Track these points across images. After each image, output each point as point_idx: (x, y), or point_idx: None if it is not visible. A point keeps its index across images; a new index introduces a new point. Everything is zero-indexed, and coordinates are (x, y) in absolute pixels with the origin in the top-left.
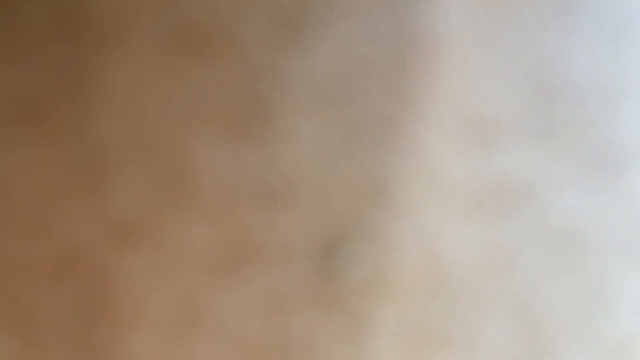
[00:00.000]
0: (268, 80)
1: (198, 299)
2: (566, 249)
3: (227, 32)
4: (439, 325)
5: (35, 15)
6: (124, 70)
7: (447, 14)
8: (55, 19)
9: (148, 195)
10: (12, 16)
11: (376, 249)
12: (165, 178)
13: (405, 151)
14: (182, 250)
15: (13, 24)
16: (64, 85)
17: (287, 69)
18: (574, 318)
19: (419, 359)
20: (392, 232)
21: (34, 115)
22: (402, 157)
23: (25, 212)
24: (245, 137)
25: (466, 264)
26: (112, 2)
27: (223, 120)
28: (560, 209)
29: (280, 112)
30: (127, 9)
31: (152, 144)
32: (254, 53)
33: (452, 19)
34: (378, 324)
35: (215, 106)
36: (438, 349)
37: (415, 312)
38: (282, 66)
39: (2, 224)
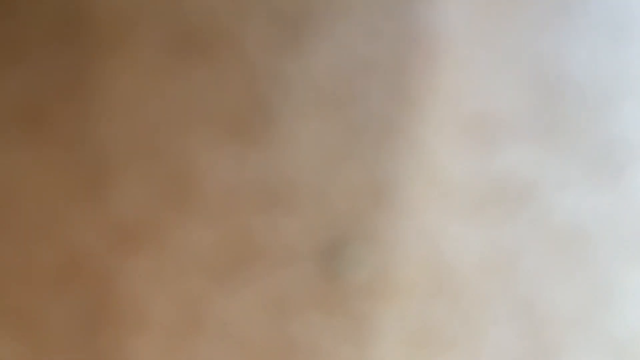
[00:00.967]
0: (268, 82)
1: (201, 302)
2: (569, 247)
3: (227, 34)
4: (443, 326)
5: (36, 18)
6: (124, 73)
7: (447, 14)
8: (56, 22)
9: (150, 198)
10: (12, 19)
11: (378, 250)
12: (166, 181)
13: (406, 152)
14: (185, 254)
15: (14, 27)
16: (65, 88)
17: (287, 71)
18: (577, 317)
19: (422, 359)
20: (394, 233)
21: (35, 118)
22: (403, 157)
23: (27, 217)
24: (246, 139)
25: (469, 264)
26: (113, 6)
27: (224, 123)
28: (562, 207)
29: (280, 114)
30: (128, 12)
31: (153, 147)
32: (254, 55)
33: (452, 19)
34: (381, 325)
35: (216, 109)
36: (441, 350)
37: (419, 312)
38: (282, 68)
39: (4, 229)
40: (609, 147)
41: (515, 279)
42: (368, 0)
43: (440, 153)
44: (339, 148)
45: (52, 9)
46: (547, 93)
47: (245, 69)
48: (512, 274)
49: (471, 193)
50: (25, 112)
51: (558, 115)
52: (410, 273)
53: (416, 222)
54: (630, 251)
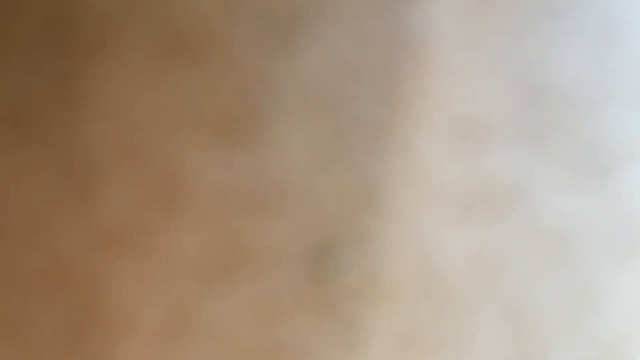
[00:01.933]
0: (257, 85)
1: (189, 306)
2: (555, 249)
3: (216, 37)
4: (431, 328)
5: (24, 21)
6: (113, 76)
7: (436, 19)
8: (44, 26)
9: (137, 202)
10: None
11: (367, 252)
12: (154, 184)
13: (395, 155)
14: (173, 257)
15: (1, 30)
16: (52, 91)
17: (276, 74)
18: (563, 318)
19: None
20: (382, 235)
21: (22, 122)
22: (392, 160)
23: (13, 220)
24: (234, 142)
25: (457, 267)
26: (101, 9)
27: (212, 126)
28: (548, 210)
29: (269, 117)
30: (116, 14)
31: (141, 150)
32: (243, 58)
33: (440, 24)
34: (370, 328)
35: (204, 111)
36: (430, 351)
37: (407, 315)
38: (271, 71)
39: None
40: (595, 150)
41: (503, 281)
42: (357, 5)
43: (428, 156)
44: (327, 151)
45: (39, 13)
46: (534, 97)
47: (234, 72)
48: (499, 276)
49: (459, 196)
50: (11, 115)
51: (544, 118)
52: (398, 275)
53: (405, 225)
54: (616, 253)
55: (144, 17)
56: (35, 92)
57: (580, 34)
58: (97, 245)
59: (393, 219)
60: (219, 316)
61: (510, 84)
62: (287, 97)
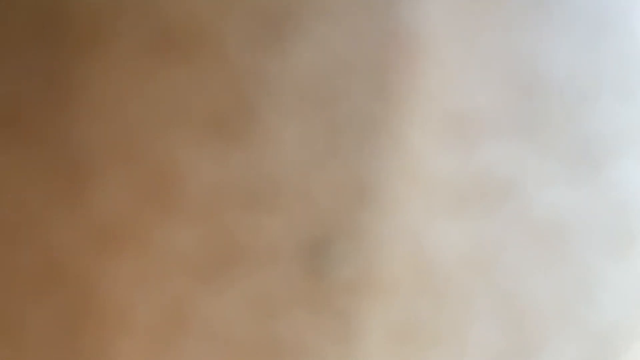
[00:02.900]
0: (250, 81)
1: (184, 303)
2: (548, 242)
3: (208, 33)
4: (426, 322)
5: (14, 18)
6: (105, 73)
7: (428, 13)
8: (34, 22)
9: (131, 199)
10: None
11: (362, 247)
12: (148, 181)
13: (388, 150)
14: (167, 254)
15: None
16: (43, 89)
17: (269, 70)
18: (558, 310)
19: (407, 355)
20: (377, 230)
21: (13, 120)
22: (385, 155)
23: (6, 219)
24: (228, 138)
25: (451, 260)
26: (91, 4)
27: (205, 122)
28: (541, 203)
29: (263, 113)
30: (107, 10)
31: (134, 147)
32: (236, 54)
33: (432, 18)
34: (366, 323)
35: (198, 108)
36: (426, 345)
37: (403, 309)
38: (264, 67)
39: None
40: (587, 143)
41: (497, 274)
42: (350, 0)
43: (421, 151)
44: (321, 147)
45: (30, 9)
46: (526, 91)
47: (226, 68)
48: (494, 269)
49: (453, 190)
50: (3, 113)
51: (537, 112)
52: (393, 270)
53: (399, 220)
54: (609, 245)
55: (135, 14)
56: (27, 90)
57: (572, 28)
58: (90, 243)
59: (387, 213)
60: (214, 312)
61: (502, 77)
62: (280, 93)
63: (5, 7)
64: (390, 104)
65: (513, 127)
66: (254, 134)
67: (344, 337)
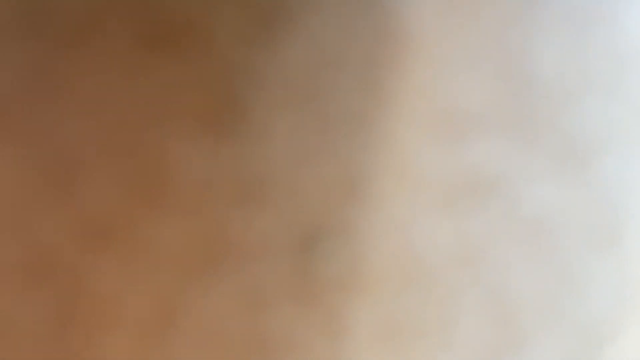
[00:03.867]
0: (241, 76)
1: (174, 299)
2: (535, 238)
3: (198, 28)
4: (415, 317)
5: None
6: (93, 67)
7: (419, 11)
8: (22, 16)
9: (120, 194)
10: None
11: (351, 243)
12: (138, 176)
13: (378, 146)
14: (157, 250)
15: None
16: (32, 83)
17: (259, 65)
18: (544, 305)
19: (396, 350)
20: (366, 226)
21: (1, 114)
22: (375, 151)
23: None
24: (218, 133)
25: (439, 256)
26: None
27: (196, 117)
28: (529, 200)
29: (253, 108)
30: (97, 5)
31: (123, 142)
32: (227, 49)
33: (423, 16)
34: (355, 317)
35: (188, 103)
36: (414, 340)
37: (391, 304)
38: (255, 62)
39: None
40: (574, 140)
41: (485, 270)
42: None
43: (410, 147)
44: (312, 142)
45: (16, 3)
46: (515, 88)
47: (217, 63)
48: (482, 265)
49: (441, 186)
50: None
51: (525, 110)
52: (382, 265)
53: (388, 215)
54: (595, 241)
55: (125, 7)
56: (14, 84)
57: (560, 26)
58: (79, 238)
59: (376, 209)
60: (204, 307)
61: (491, 75)
62: (270, 88)
63: None
64: (380, 100)
65: (501, 124)
66: (244, 129)
67: (334, 331)
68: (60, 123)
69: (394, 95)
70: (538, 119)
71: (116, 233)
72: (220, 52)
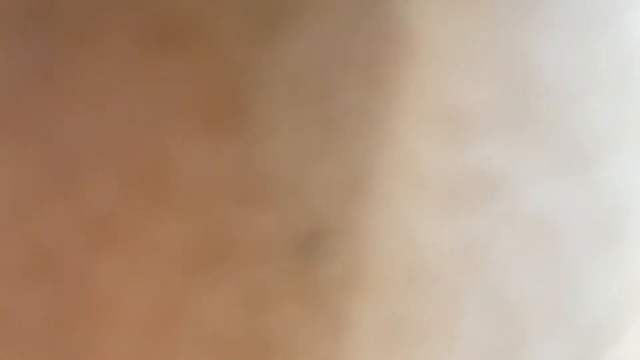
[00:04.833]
0: (244, 75)
1: (176, 298)
2: (538, 239)
3: (201, 26)
4: (416, 317)
5: (1, 9)
6: (95, 65)
7: (422, 10)
8: (23, 12)
9: (122, 193)
10: None
11: (353, 243)
12: (140, 175)
13: (381, 145)
14: (159, 249)
15: None
16: (33, 80)
17: (262, 64)
18: (546, 306)
19: (398, 350)
20: (369, 225)
21: (2, 111)
22: (378, 151)
23: None
24: (221, 132)
25: (442, 256)
26: None
27: (198, 116)
28: (532, 200)
29: (256, 107)
30: (100, 2)
31: (125, 140)
32: (229, 47)
33: (426, 15)
34: (357, 318)
35: (190, 101)
36: (416, 341)
37: (393, 304)
38: (258, 61)
39: None
40: (577, 141)
41: (487, 270)
42: None
43: (414, 146)
44: (314, 141)
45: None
46: (518, 88)
47: (220, 61)
48: (484, 265)
49: (444, 186)
50: None
51: (528, 109)
52: (384, 265)
53: (390, 215)
54: (598, 242)
55: (128, 6)
56: (15, 81)
57: (563, 26)
58: (80, 237)
59: (379, 209)
60: (206, 307)
61: (495, 75)
62: (273, 87)
63: None
64: (383, 100)
65: (504, 124)
66: (247, 128)
67: (335, 331)
68: (62, 122)
69: (398, 95)
70: (541, 119)
71: (117, 232)
72: (223, 51)
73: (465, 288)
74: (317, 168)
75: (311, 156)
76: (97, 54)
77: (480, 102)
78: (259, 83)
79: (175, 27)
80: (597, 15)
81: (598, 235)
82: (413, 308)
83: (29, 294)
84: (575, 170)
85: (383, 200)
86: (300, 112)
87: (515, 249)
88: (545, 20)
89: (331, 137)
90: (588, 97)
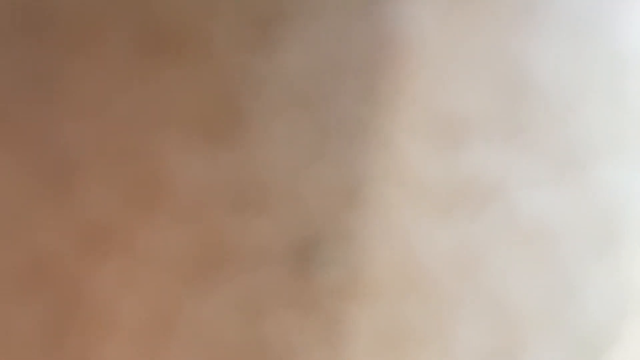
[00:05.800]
0: (239, 82)
1: (172, 305)
2: (534, 244)
3: (197, 34)
4: (413, 323)
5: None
6: (93, 73)
7: (418, 18)
8: (22, 20)
9: (118, 199)
10: None
11: (350, 249)
12: (136, 182)
13: (376, 152)
14: (155, 256)
15: None
16: (32, 88)
17: (258, 71)
18: (543, 311)
19: (394, 357)
20: (365, 232)
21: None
22: (373, 158)
23: None
24: (217, 139)
25: (438, 262)
26: (81, 4)
27: (194, 123)
28: (527, 205)
29: (252, 114)
30: (96, 10)
31: (121, 148)
32: (225, 55)
33: (422, 23)
34: (354, 324)
35: (186, 109)
36: (413, 347)
37: (390, 311)
38: (254, 68)
39: None
40: (572, 146)
41: (483, 276)
42: (339, 2)
43: (409, 153)
44: (310, 149)
45: (17, 8)
46: (513, 95)
47: (216, 69)
48: (481, 271)
49: (440, 192)
50: None
51: (524, 116)
52: (381, 272)
53: (387, 222)
54: (593, 247)
55: (125, 13)
56: (14, 89)
57: (559, 33)
58: (78, 244)
59: (375, 215)
60: (201, 314)
61: (490, 82)
62: (269, 94)
63: None
64: (378, 107)
65: (499, 131)
66: (242, 135)
67: (332, 338)
68: (59, 129)
69: (393, 102)
70: (537, 125)
71: (113, 239)
72: (219, 58)
73: (462, 294)
74: (313, 175)
75: (307, 163)
76: (94, 63)
77: (475, 108)
78: (255, 91)
79: (172, 35)
80: (591, 23)
81: (593, 240)
82: (409, 314)
83: (26, 300)
84: (570, 175)
85: (379, 207)
86: (296, 120)
87: (511, 254)
88: (539, 28)
89: (327, 144)
90: (583, 104)
